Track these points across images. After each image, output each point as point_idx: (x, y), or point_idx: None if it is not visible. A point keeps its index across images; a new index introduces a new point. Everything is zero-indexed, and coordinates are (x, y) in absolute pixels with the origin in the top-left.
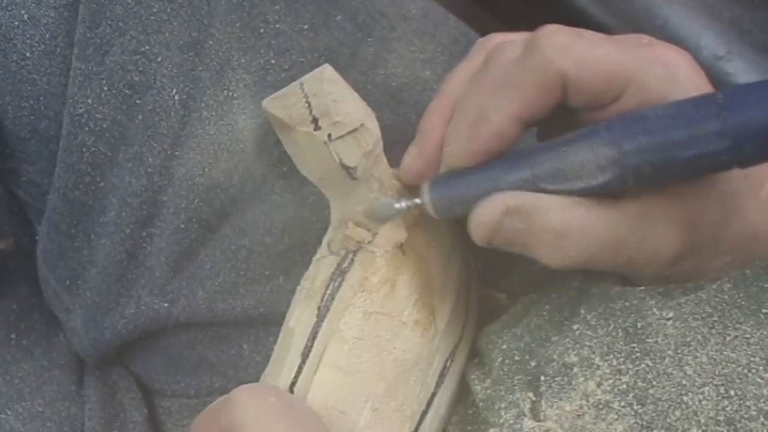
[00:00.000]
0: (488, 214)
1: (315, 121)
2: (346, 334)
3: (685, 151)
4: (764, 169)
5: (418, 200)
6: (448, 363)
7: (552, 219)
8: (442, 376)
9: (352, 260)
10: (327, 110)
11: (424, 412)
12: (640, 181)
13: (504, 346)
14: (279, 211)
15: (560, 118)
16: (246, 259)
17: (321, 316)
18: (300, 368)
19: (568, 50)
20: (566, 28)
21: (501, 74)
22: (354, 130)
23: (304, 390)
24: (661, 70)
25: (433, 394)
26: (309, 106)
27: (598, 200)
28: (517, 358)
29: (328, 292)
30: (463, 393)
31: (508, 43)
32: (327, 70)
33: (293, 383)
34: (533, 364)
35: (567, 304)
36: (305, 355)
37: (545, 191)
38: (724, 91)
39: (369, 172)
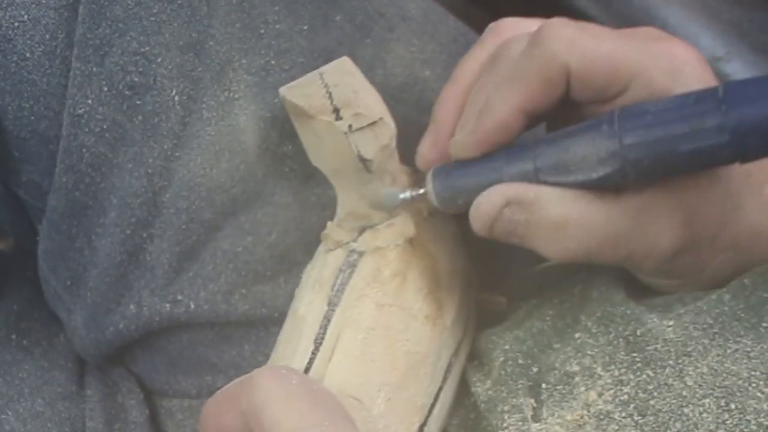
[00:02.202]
0: (489, 205)
1: (336, 111)
2: (360, 323)
3: (684, 145)
4: (766, 168)
5: (422, 190)
6: (453, 359)
7: (552, 211)
8: (448, 371)
9: (362, 252)
10: (349, 101)
11: (432, 405)
12: (640, 175)
13: (506, 347)
14: (280, 212)
15: (567, 111)
16: (248, 260)
17: (332, 304)
18: (314, 354)
19: (572, 44)
20: (572, 22)
21: (507, 67)
22: (373, 123)
23: (320, 376)
24: (667, 65)
25: (440, 389)
26: (330, 95)
27: (599, 194)
28: (520, 361)
29: (338, 282)
30: (463, 395)
31: (517, 37)
32: (347, 63)
33: (307, 369)
34: (535, 369)
35: (569, 310)
36: (318, 342)
37: (547, 183)
38: (725, 85)
39: (383, 166)
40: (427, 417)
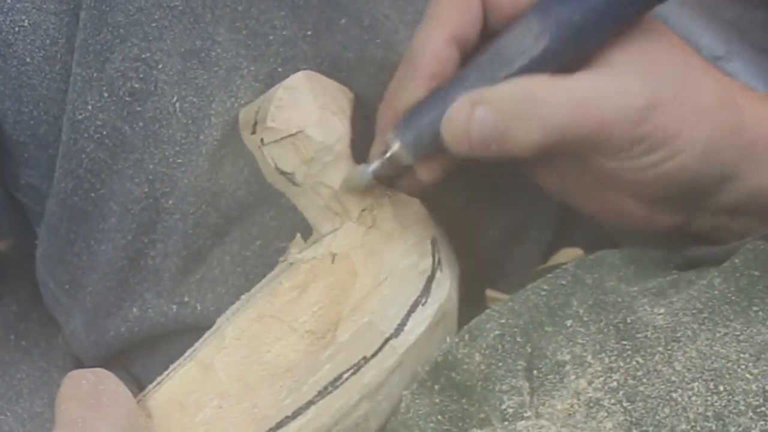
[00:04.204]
0: (458, 113)
1: (254, 126)
2: (226, 332)
3: None
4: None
5: (389, 153)
6: (346, 375)
7: (515, 95)
8: (332, 386)
9: (290, 265)
10: (265, 116)
11: (288, 418)
12: (579, 38)
13: (503, 320)
14: (288, 215)
15: None
16: (256, 264)
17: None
18: (184, 360)
19: None
20: None
21: (422, 21)
22: (290, 136)
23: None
24: None
25: (310, 402)
26: (257, 111)
27: (553, 74)
28: (519, 339)
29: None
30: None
31: None
32: (294, 77)
33: (169, 375)
34: (529, 350)
35: (562, 288)
36: (193, 350)
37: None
38: None
39: (315, 179)
40: (274, 429)
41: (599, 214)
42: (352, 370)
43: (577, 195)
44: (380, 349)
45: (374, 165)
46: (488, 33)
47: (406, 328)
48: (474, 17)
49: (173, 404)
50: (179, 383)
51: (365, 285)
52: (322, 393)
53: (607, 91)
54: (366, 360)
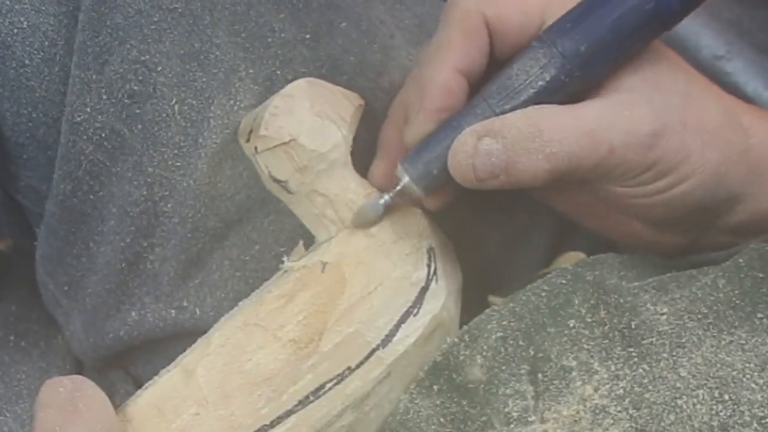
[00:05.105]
0: (463, 146)
1: (250, 133)
2: (211, 340)
3: (610, 15)
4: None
5: (399, 186)
6: (329, 385)
7: (521, 126)
8: (314, 396)
9: (285, 272)
10: (260, 123)
11: (266, 427)
12: (584, 67)
13: (504, 322)
14: (287, 220)
15: None
16: (255, 268)
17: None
18: (173, 367)
19: None
20: None
21: (430, 50)
22: (283, 144)
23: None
24: None
25: (290, 412)
26: (255, 118)
27: (561, 102)
28: (521, 342)
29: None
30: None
31: None
32: (294, 84)
33: (154, 380)
34: (531, 353)
35: (563, 287)
36: (183, 356)
37: (506, 112)
38: None
39: (309, 187)
40: None
41: (607, 234)
42: (335, 380)
43: (585, 216)
44: (366, 359)
45: (384, 199)
46: (495, 61)
47: (394, 339)
48: (481, 47)
49: (152, 410)
50: (161, 389)
51: (353, 294)
52: (303, 402)
53: (615, 118)
54: (351, 370)
